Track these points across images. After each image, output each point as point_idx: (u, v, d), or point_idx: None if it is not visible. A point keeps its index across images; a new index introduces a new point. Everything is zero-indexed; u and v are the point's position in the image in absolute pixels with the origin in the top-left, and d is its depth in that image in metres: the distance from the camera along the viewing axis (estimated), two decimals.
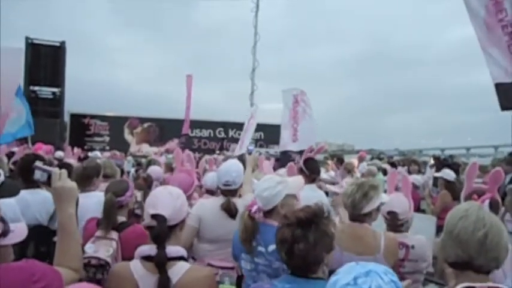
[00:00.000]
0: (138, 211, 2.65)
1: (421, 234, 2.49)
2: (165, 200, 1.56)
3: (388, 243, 2.06)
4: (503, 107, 4.23)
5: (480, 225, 1.29)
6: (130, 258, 2.08)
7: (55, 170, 1.48)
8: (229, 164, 2.62)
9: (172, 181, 3.02)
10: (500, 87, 4.22)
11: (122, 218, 2.25)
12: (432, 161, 9.04)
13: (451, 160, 7.87)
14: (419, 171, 7.18)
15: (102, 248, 1.97)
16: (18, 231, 1.40)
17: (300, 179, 2.45)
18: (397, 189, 2.84)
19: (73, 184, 1.48)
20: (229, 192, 2.49)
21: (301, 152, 6.18)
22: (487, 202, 2.30)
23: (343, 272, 0.99)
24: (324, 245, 1.42)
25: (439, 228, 3.21)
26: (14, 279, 1.08)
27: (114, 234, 2.10)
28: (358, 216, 2.11)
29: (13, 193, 1.28)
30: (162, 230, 1.50)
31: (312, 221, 1.42)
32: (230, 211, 2.40)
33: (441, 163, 7.02)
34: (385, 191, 4.06)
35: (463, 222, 1.31)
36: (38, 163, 1.64)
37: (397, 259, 2.10)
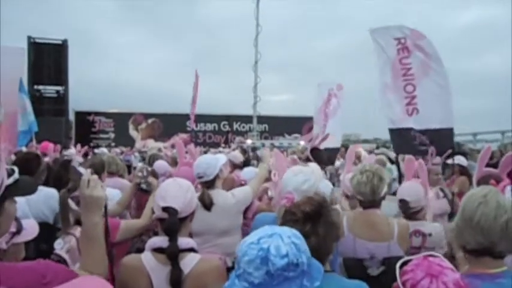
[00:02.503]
0: (143, 186, 2.64)
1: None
2: (175, 192, 1.56)
3: (401, 230, 2.04)
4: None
5: (502, 211, 1.26)
6: None
7: (84, 176, 1.44)
8: (202, 157, 2.70)
9: (176, 175, 3.03)
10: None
11: None
12: None
13: (458, 148, 7.78)
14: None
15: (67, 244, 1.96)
16: (30, 229, 1.39)
17: (317, 166, 2.45)
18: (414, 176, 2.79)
19: (101, 193, 1.42)
20: (204, 184, 2.54)
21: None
22: (509, 188, 2.24)
23: (253, 234, 1.07)
24: (333, 235, 1.39)
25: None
26: (23, 280, 1.06)
27: (77, 230, 2.08)
28: (374, 202, 2.08)
29: (31, 190, 1.26)
30: (174, 223, 1.51)
31: (319, 214, 1.38)
32: (203, 202, 2.41)
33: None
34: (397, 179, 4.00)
35: (483, 209, 1.28)
36: (75, 163, 1.60)
37: (409, 245, 2.08)
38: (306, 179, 1.89)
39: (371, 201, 2.09)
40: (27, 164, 2.73)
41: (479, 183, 2.60)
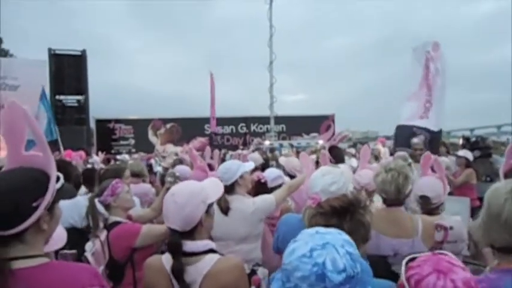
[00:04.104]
0: None
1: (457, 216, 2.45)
2: (172, 212, 1.52)
3: (425, 226, 2.01)
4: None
5: None
6: (120, 257, 2.14)
7: None
8: (226, 162, 2.71)
9: (190, 178, 3.08)
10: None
11: (114, 218, 2.28)
12: (461, 142, 8.79)
13: (482, 143, 7.61)
14: (448, 153, 6.98)
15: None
16: (58, 238, 1.46)
17: (347, 167, 2.42)
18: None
19: None
20: (224, 188, 2.54)
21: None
22: None
23: (301, 241, 0.99)
24: (359, 235, 1.36)
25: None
26: (83, 277, 1.13)
27: (103, 233, 2.15)
28: (398, 200, 2.07)
29: (73, 195, 1.35)
30: (174, 244, 1.50)
31: (347, 210, 1.38)
32: (219, 205, 2.41)
33: (471, 144, 6.82)
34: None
35: (510, 206, 1.22)
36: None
37: (433, 242, 2.05)
38: (334, 180, 1.83)
39: (395, 200, 2.08)
40: (65, 170, 2.83)
41: (506, 177, 2.55)
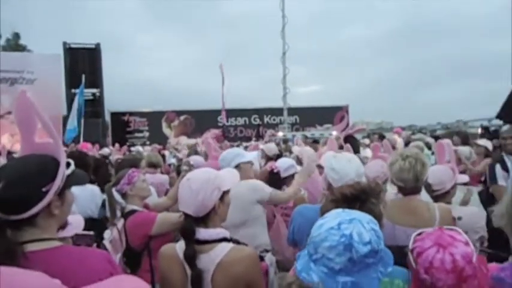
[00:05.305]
0: None
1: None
2: (186, 197, 1.53)
3: (443, 215, 1.96)
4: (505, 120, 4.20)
5: None
6: (137, 245, 2.17)
7: None
8: (225, 151, 2.78)
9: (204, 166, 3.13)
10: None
11: (131, 206, 2.32)
12: (480, 131, 8.62)
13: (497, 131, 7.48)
14: (463, 143, 6.84)
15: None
16: (76, 224, 1.48)
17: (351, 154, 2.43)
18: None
19: None
20: None
21: None
22: None
23: (329, 217, 1.07)
24: None
25: None
26: (98, 264, 1.15)
27: (120, 222, 2.19)
28: (416, 188, 2.04)
29: (84, 181, 1.35)
30: (187, 228, 1.51)
31: (357, 198, 1.37)
32: None
33: (490, 134, 6.68)
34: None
35: None
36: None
37: None
38: (359, 163, 1.90)
39: (413, 188, 2.04)
40: (81, 160, 2.89)
41: None
